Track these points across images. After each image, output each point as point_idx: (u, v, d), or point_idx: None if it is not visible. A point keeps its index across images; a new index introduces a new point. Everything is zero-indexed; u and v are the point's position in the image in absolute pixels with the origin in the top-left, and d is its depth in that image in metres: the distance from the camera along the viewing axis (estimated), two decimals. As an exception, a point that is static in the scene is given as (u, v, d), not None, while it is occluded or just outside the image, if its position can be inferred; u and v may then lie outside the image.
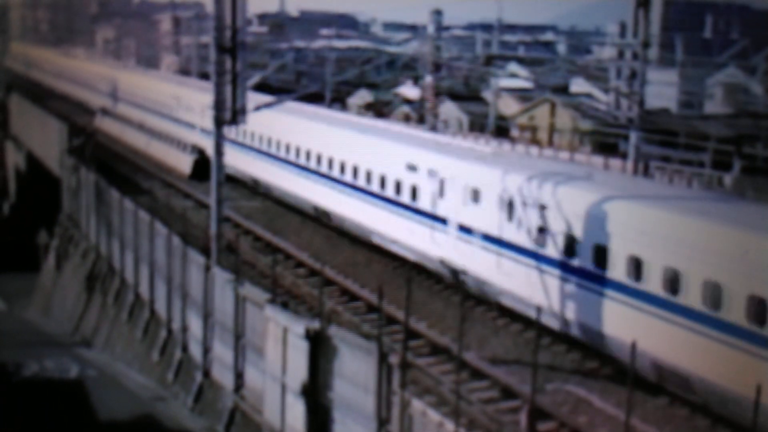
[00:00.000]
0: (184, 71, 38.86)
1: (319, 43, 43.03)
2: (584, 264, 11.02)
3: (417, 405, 9.51)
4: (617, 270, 10.45)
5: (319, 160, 18.16)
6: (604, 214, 10.81)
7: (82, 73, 41.29)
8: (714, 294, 9.37)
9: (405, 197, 14.96)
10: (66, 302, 22.57)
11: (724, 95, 30.60)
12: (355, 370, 10.27)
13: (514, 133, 28.68)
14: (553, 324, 11.70)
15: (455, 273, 13.79)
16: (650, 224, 10.26)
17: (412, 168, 14.68)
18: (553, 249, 11.55)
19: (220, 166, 14.08)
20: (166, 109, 28.69)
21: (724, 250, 9.38)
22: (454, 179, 13.64)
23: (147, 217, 16.82)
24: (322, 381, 10.81)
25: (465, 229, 13.35)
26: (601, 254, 10.72)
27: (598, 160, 19.80)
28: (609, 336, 10.72)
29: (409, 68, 37.67)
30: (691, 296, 9.63)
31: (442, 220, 13.91)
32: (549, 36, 72.87)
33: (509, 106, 31.50)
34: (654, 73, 23.64)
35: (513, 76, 32.16)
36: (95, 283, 20.74)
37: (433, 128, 21.77)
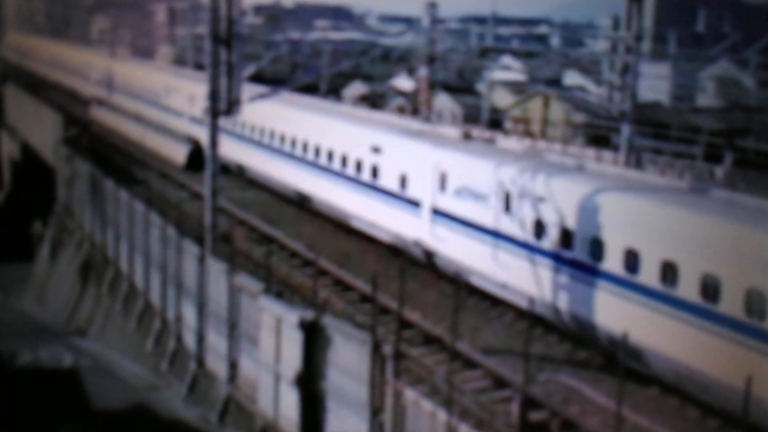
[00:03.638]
0: (180, 62, 38.60)
1: (314, 35, 42.79)
2: None
3: (410, 394, 9.56)
4: None
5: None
6: None
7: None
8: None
9: None
10: (60, 292, 22.51)
11: (716, 88, 30.69)
12: (348, 360, 10.31)
13: (508, 125, 28.72)
14: None
15: None
16: None
17: None
18: None
19: (215, 156, 14.05)
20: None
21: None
22: None
23: (142, 208, 16.77)
24: (316, 371, 10.85)
25: None
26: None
27: (591, 152, 19.92)
28: None
29: (403, 60, 37.58)
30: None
31: None
32: (543, 29, 72.71)
33: (503, 99, 31.50)
34: (646, 67, 23.67)
35: (507, 68, 32.09)
36: (90, 272, 20.70)
37: (427, 120, 21.66)
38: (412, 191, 14.38)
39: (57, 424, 13.81)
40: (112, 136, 30.50)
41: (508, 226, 12.15)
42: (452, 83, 34.73)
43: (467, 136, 14.74)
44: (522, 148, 14.89)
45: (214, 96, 13.70)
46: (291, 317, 11.05)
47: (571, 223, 11.13)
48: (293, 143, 18.88)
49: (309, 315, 10.96)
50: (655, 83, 24.57)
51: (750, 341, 8.95)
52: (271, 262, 12.76)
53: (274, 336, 11.37)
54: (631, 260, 10.28)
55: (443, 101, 31.22)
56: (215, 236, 13.93)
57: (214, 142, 14.03)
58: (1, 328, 20.41)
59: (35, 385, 15.52)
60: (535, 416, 9.84)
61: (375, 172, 15.42)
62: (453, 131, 15.31)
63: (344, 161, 16.48)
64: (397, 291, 10.26)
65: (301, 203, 18.74)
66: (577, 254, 11.02)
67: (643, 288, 10.10)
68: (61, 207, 24.56)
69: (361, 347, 10.10)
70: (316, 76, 30.86)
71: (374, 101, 33.01)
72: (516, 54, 40.04)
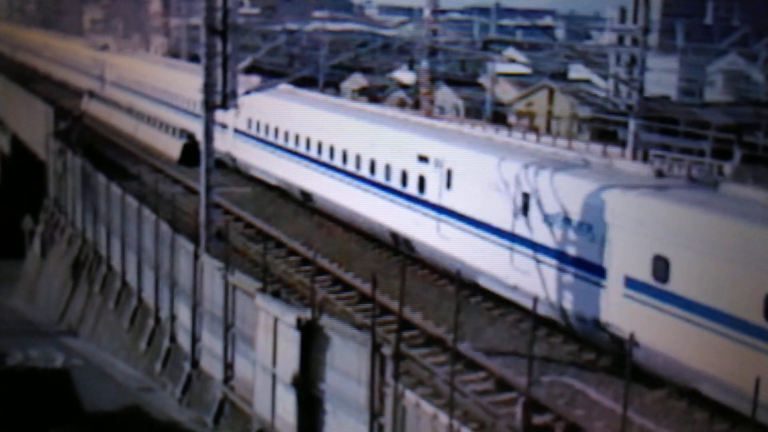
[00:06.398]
0: (174, 53, 38.07)
1: (312, 26, 42.36)
2: None
3: (410, 397, 9.33)
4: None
5: None
6: None
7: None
8: None
9: None
10: (51, 290, 22.24)
11: (724, 83, 30.37)
12: (347, 361, 10.08)
13: (512, 119, 28.40)
14: None
15: None
16: None
17: None
18: None
19: (210, 150, 13.70)
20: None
21: None
22: None
23: (135, 203, 16.47)
24: (313, 372, 10.62)
25: None
26: None
27: (597, 147, 19.58)
28: None
29: (404, 52, 37.20)
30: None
31: None
32: (548, 20, 72.29)
33: (507, 92, 31.17)
34: (654, 60, 23.25)
35: (511, 61, 31.75)
36: (81, 270, 20.40)
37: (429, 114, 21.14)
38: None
39: (48, 426, 13.52)
40: (104, 129, 30.07)
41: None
42: (455, 76, 34.37)
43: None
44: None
45: (208, 89, 13.31)
46: (288, 317, 10.78)
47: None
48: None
49: (307, 315, 10.70)
50: (662, 77, 24.18)
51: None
52: (267, 260, 12.43)
53: (271, 336, 11.11)
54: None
55: (445, 94, 30.86)
56: (210, 233, 13.58)
57: (208, 136, 13.67)
58: (-9, 326, 20.11)
59: (25, 386, 15.25)
60: (540, 419, 9.61)
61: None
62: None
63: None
64: (398, 290, 9.93)
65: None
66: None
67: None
68: (52, 202, 24.25)
69: (361, 348, 9.85)
70: (314, 68, 30.43)
71: (374, 94, 32.62)
72: (520, 46, 39.70)
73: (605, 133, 22.76)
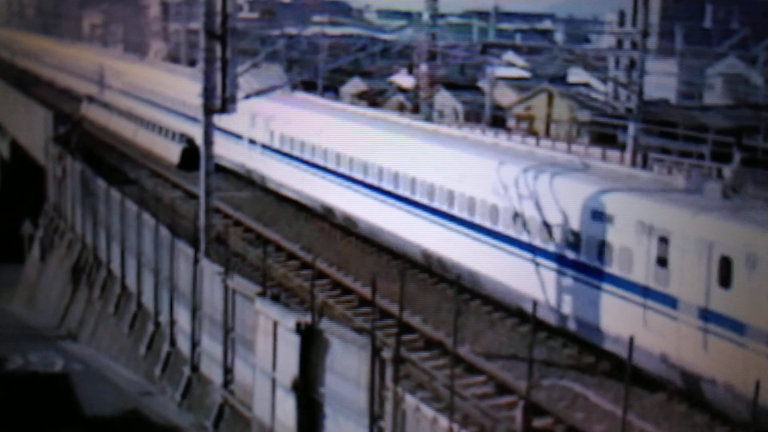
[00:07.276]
0: (173, 58, 38.17)
1: (311, 30, 42.49)
2: None
3: (410, 400, 9.33)
4: None
5: None
6: None
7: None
8: None
9: None
10: (51, 294, 22.25)
11: (723, 86, 30.43)
12: (347, 365, 10.08)
13: (511, 123, 28.43)
14: None
15: None
16: None
17: None
18: None
19: (209, 155, 13.72)
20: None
21: None
22: None
23: (134, 208, 16.49)
24: (313, 376, 10.62)
25: None
26: None
27: (596, 151, 19.59)
28: None
29: (403, 56, 37.31)
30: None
31: None
32: (547, 24, 72.53)
33: (506, 96, 31.21)
34: (653, 63, 23.27)
35: (510, 65, 31.78)
36: (81, 275, 20.42)
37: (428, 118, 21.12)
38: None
39: (47, 430, 13.48)
40: (104, 134, 30.04)
41: None
42: (454, 80, 34.43)
43: None
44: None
45: (207, 93, 13.34)
46: (288, 321, 10.78)
47: None
48: None
49: (306, 318, 10.69)
50: (662, 80, 24.19)
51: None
52: (267, 264, 12.43)
53: (271, 340, 11.11)
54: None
55: (444, 98, 30.90)
56: (210, 237, 13.59)
57: (207, 140, 13.70)
58: (-9, 331, 20.10)
59: (25, 391, 15.24)
60: (539, 423, 9.59)
61: None
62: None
63: None
64: (397, 294, 9.93)
65: None
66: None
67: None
68: (51, 207, 24.28)
69: (360, 352, 9.85)
70: (314, 73, 30.47)
71: (373, 98, 32.67)
72: (519, 50, 39.81)
73: (604, 136, 22.77)
